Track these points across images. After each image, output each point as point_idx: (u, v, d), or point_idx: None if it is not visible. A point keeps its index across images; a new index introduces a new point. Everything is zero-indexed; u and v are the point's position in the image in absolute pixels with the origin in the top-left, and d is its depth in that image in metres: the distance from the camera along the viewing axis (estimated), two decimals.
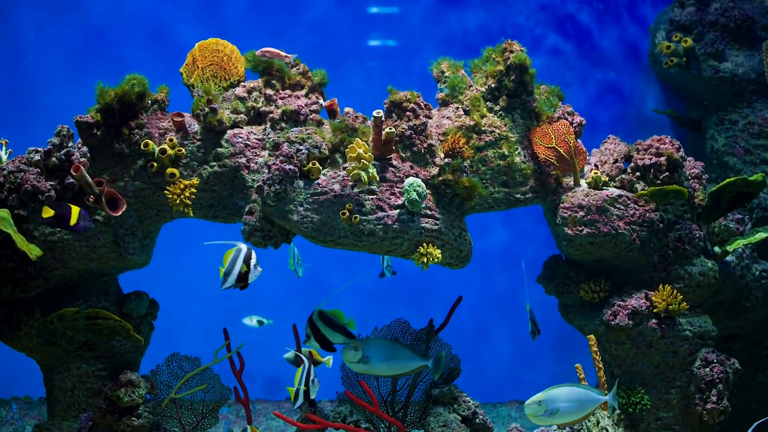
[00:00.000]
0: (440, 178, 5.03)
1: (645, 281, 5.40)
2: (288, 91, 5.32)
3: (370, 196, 4.90)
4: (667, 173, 5.30)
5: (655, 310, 5.24)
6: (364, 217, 4.86)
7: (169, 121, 5.15)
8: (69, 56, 8.34)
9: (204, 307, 8.35)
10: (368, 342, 5.04)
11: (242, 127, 5.20)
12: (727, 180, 5.29)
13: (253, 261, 4.61)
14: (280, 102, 5.25)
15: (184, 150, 5.05)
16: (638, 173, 5.39)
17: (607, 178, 5.43)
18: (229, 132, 5.15)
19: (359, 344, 4.98)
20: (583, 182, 5.43)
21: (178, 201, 4.97)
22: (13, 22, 8.33)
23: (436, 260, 4.91)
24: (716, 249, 5.62)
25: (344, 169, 4.95)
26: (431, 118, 5.30)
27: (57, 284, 5.05)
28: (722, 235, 5.73)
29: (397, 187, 4.95)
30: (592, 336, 5.19)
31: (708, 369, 5.25)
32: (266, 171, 4.90)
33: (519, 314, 8.94)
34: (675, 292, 5.21)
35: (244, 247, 4.59)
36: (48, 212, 4.61)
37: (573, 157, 5.32)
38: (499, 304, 9.05)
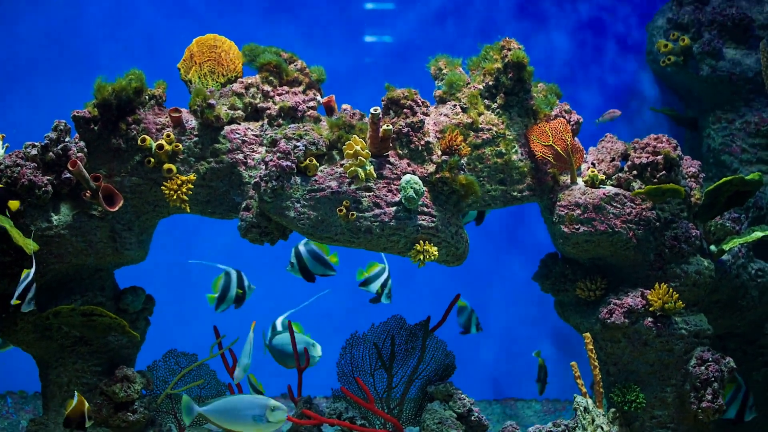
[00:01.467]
0: (437, 176, 5.03)
1: (641, 280, 5.41)
2: (285, 88, 5.33)
3: (367, 193, 4.90)
4: (664, 172, 5.31)
5: (651, 309, 5.25)
6: (361, 214, 4.86)
7: (167, 117, 5.15)
8: (66, 49, 8.32)
9: (200, 302, 8.34)
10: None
11: (239, 123, 5.20)
12: (724, 179, 5.29)
13: (246, 282, 4.67)
14: (277, 98, 5.25)
15: (181, 146, 5.06)
16: (635, 172, 5.39)
17: (604, 177, 5.43)
18: (227, 128, 5.15)
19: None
20: (580, 180, 5.43)
21: (175, 197, 4.97)
22: (8, 14, 8.31)
23: (432, 258, 4.91)
24: (712, 248, 5.63)
25: (341, 166, 4.95)
26: (429, 116, 5.30)
27: (53, 279, 5.05)
28: (718, 234, 5.73)
29: (394, 185, 4.95)
30: (587, 334, 5.20)
31: (703, 367, 5.26)
32: (263, 167, 4.90)
33: (516, 311, 8.96)
34: (671, 290, 5.22)
35: (233, 271, 4.63)
36: None
37: (570, 156, 5.32)
38: (496, 301, 9.05)
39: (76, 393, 4.83)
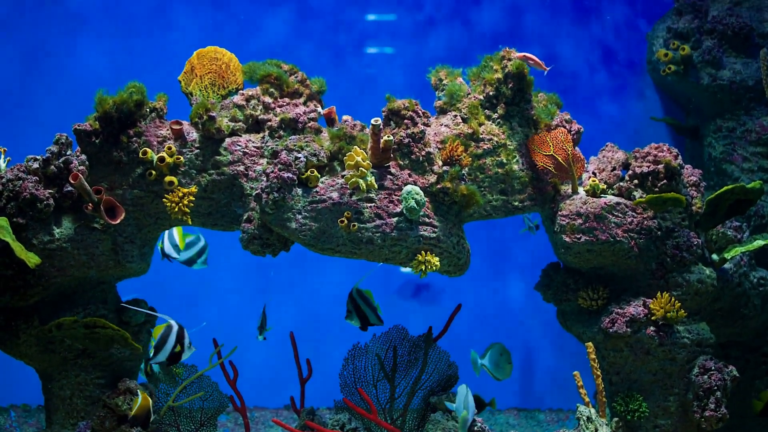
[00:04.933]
0: (438, 186, 5.03)
1: (643, 289, 5.40)
2: (286, 99, 5.33)
3: (369, 204, 4.91)
4: (665, 181, 5.31)
5: (653, 318, 5.25)
6: (362, 225, 4.87)
7: (168, 129, 5.16)
8: (68, 63, 8.35)
9: (202, 314, 8.35)
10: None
11: (240, 135, 5.21)
12: (725, 187, 5.30)
13: (186, 340, 4.73)
14: (278, 110, 5.26)
15: (182, 158, 5.06)
16: (636, 181, 5.39)
17: (605, 186, 5.44)
18: (228, 140, 5.15)
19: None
20: (581, 190, 5.43)
21: (176, 209, 4.97)
22: (15, 27, 8.34)
23: (434, 268, 4.91)
24: (714, 256, 5.63)
25: (342, 177, 4.96)
26: (429, 126, 5.31)
27: (56, 292, 5.05)
28: (720, 243, 5.73)
29: (395, 195, 4.96)
30: (590, 344, 5.19)
31: (706, 376, 5.26)
32: (264, 179, 4.90)
33: (518, 322, 8.96)
34: (673, 299, 5.22)
35: (175, 324, 4.68)
36: None
37: (571, 165, 5.33)
38: (499, 311, 9.05)
39: (139, 391, 4.89)
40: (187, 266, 6.14)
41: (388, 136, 4.88)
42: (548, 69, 5.41)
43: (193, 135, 5.16)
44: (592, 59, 9.23)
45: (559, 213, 5.31)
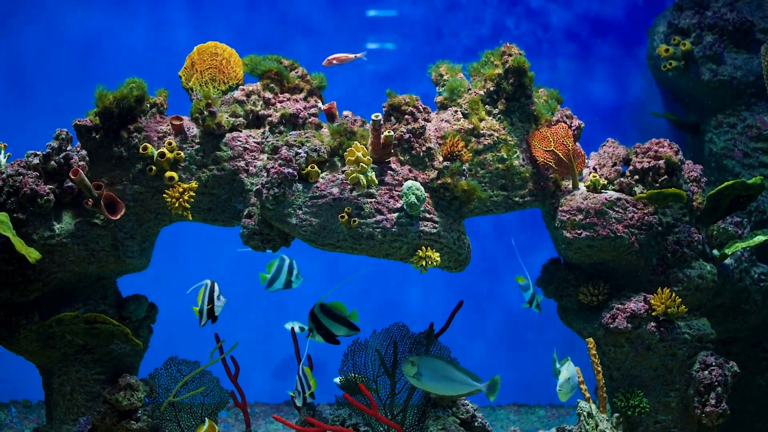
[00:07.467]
0: (439, 182, 5.03)
1: (644, 284, 5.40)
2: (287, 95, 5.33)
3: (369, 200, 4.90)
4: (665, 176, 5.30)
5: (653, 314, 5.24)
6: (362, 221, 4.86)
7: (168, 125, 5.15)
8: (69, 58, 8.34)
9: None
10: (424, 359, 5.07)
11: (241, 131, 5.20)
12: (726, 183, 5.29)
13: (216, 293, 4.82)
14: (278, 105, 5.26)
15: (182, 153, 5.06)
16: (637, 176, 5.39)
17: (605, 182, 5.43)
18: (228, 135, 5.15)
19: (416, 360, 5.02)
20: (581, 185, 5.43)
21: (177, 204, 4.97)
22: (14, 23, 8.34)
23: (434, 264, 4.91)
24: (715, 252, 5.62)
25: (343, 172, 4.95)
26: (430, 122, 5.30)
27: (56, 288, 5.05)
28: (721, 238, 5.73)
29: (395, 191, 4.95)
30: (590, 339, 5.19)
31: (707, 372, 5.25)
32: (265, 174, 4.90)
33: (517, 317, 8.96)
34: (674, 295, 5.21)
35: (208, 282, 4.79)
36: None
37: (572, 161, 5.32)
38: (498, 307, 9.05)
39: (207, 420, 4.92)
40: (287, 289, 6.16)
41: (389, 132, 4.88)
42: (360, 55, 5.43)
43: (194, 130, 5.16)
44: (593, 56, 9.21)
45: (560, 208, 5.31)
